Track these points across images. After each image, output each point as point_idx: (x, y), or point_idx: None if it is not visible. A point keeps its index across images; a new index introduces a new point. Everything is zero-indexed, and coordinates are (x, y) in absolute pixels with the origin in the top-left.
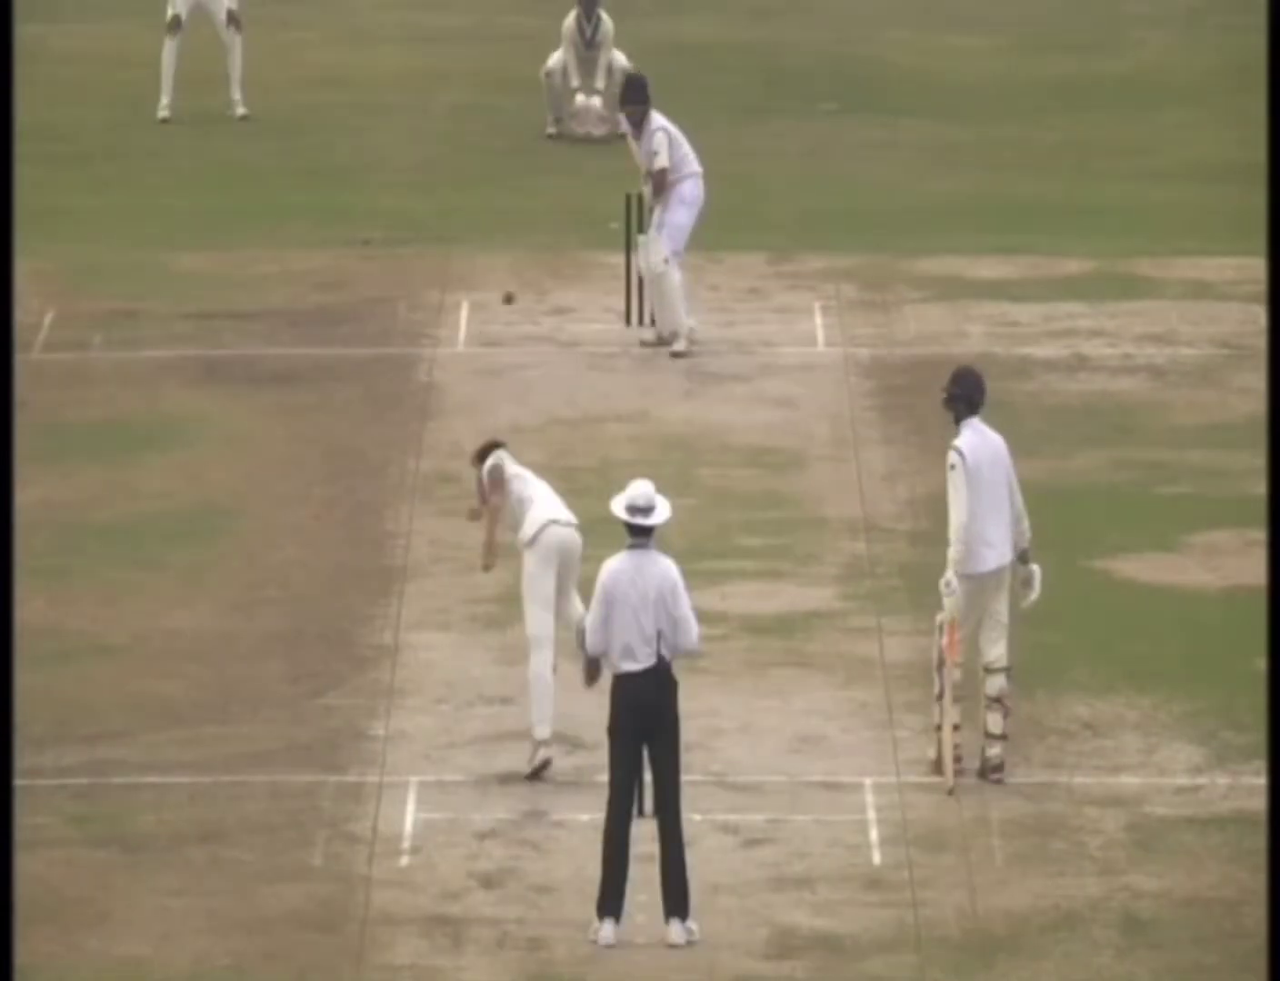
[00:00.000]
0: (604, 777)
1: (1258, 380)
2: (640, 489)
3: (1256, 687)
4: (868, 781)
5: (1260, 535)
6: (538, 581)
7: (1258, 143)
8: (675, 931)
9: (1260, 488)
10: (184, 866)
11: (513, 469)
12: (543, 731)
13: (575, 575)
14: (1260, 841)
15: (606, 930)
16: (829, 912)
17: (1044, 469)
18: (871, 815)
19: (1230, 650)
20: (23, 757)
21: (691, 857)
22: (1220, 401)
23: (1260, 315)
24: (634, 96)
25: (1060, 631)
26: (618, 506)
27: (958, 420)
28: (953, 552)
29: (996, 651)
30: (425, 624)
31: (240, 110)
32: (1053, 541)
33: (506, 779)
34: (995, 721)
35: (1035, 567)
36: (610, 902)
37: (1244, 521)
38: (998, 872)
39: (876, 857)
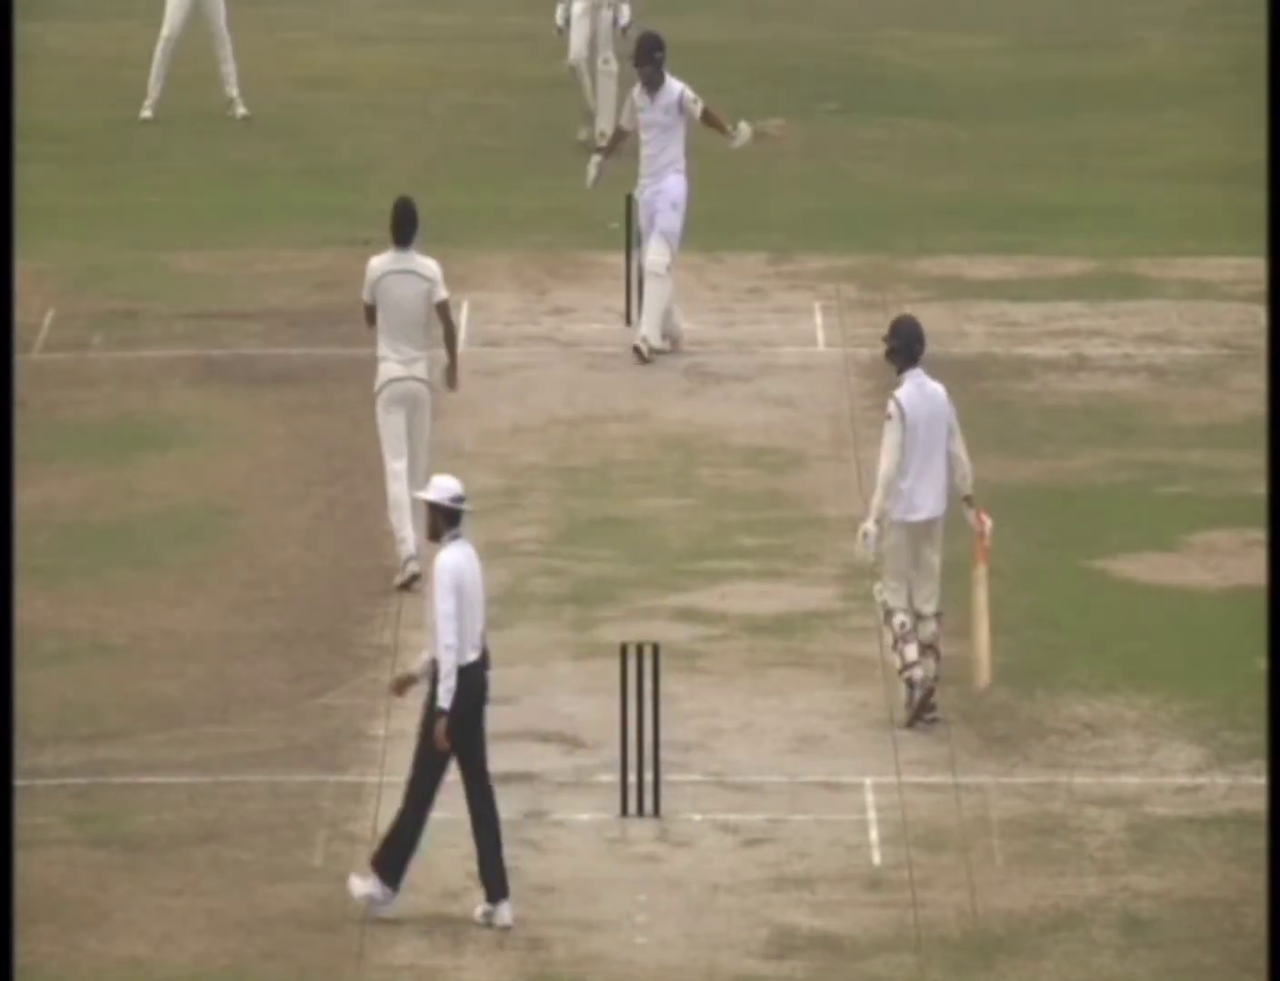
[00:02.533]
0: (604, 778)
1: (1258, 380)
2: (451, 481)
3: (1256, 687)
4: (868, 781)
5: (1260, 535)
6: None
7: (1258, 143)
8: (505, 913)
9: (1260, 488)
10: (184, 866)
11: None
12: (408, 548)
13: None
14: (1260, 841)
15: (504, 912)
16: (829, 912)
17: (1044, 469)
18: (871, 815)
19: (1230, 650)
20: (23, 757)
21: (691, 857)
22: (1220, 401)
23: (1260, 315)
24: (655, 54)
25: (1060, 631)
26: (439, 497)
27: (900, 371)
28: (876, 500)
29: (929, 600)
30: (425, 624)
31: (242, 110)
32: (1053, 541)
33: (506, 779)
34: (929, 667)
35: (972, 513)
36: (397, 870)
37: (1244, 521)
38: (998, 872)
39: (876, 857)
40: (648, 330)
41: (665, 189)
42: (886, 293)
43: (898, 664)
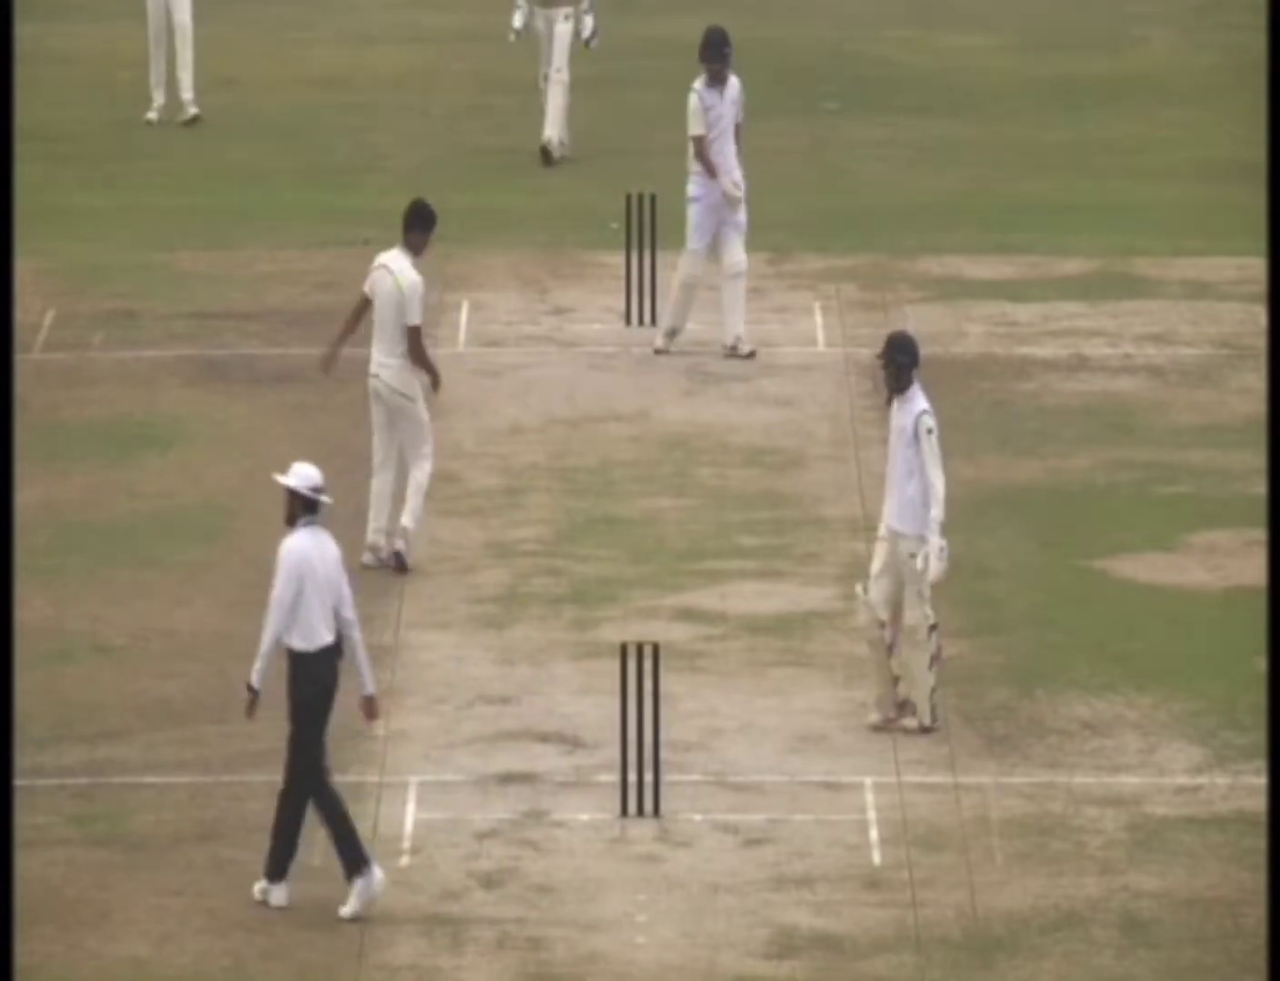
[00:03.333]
0: (604, 778)
1: (1258, 380)
2: (309, 468)
3: (1256, 687)
4: (868, 781)
5: (1260, 535)
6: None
7: (1258, 143)
8: (279, 894)
9: (1260, 488)
10: (184, 866)
11: None
12: (374, 536)
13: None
14: (1260, 841)
15: (278, 893)
16: (829, 912)
17: (1044, 469)
18: (871, 815)
19: (1230, 650)
20: (23, 757)
21: (691, 857)
22: (1220, 401)
23: (1260, 315)
24: (724, 49)
25: (1060, 631)
26: (296, 483)
27: (907, 386)
28: (938, 514)
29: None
30: (425, 624)
31: (193, 110)
32: (1053, 541)
33: (506, 779)
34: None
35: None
36: (284, 866)
37: (1244, 521)
38: (998, 872)
39: (876, 857)
40: (740, 329)
41: (738, 179)
42: (886, 293)
43: (931, 683)
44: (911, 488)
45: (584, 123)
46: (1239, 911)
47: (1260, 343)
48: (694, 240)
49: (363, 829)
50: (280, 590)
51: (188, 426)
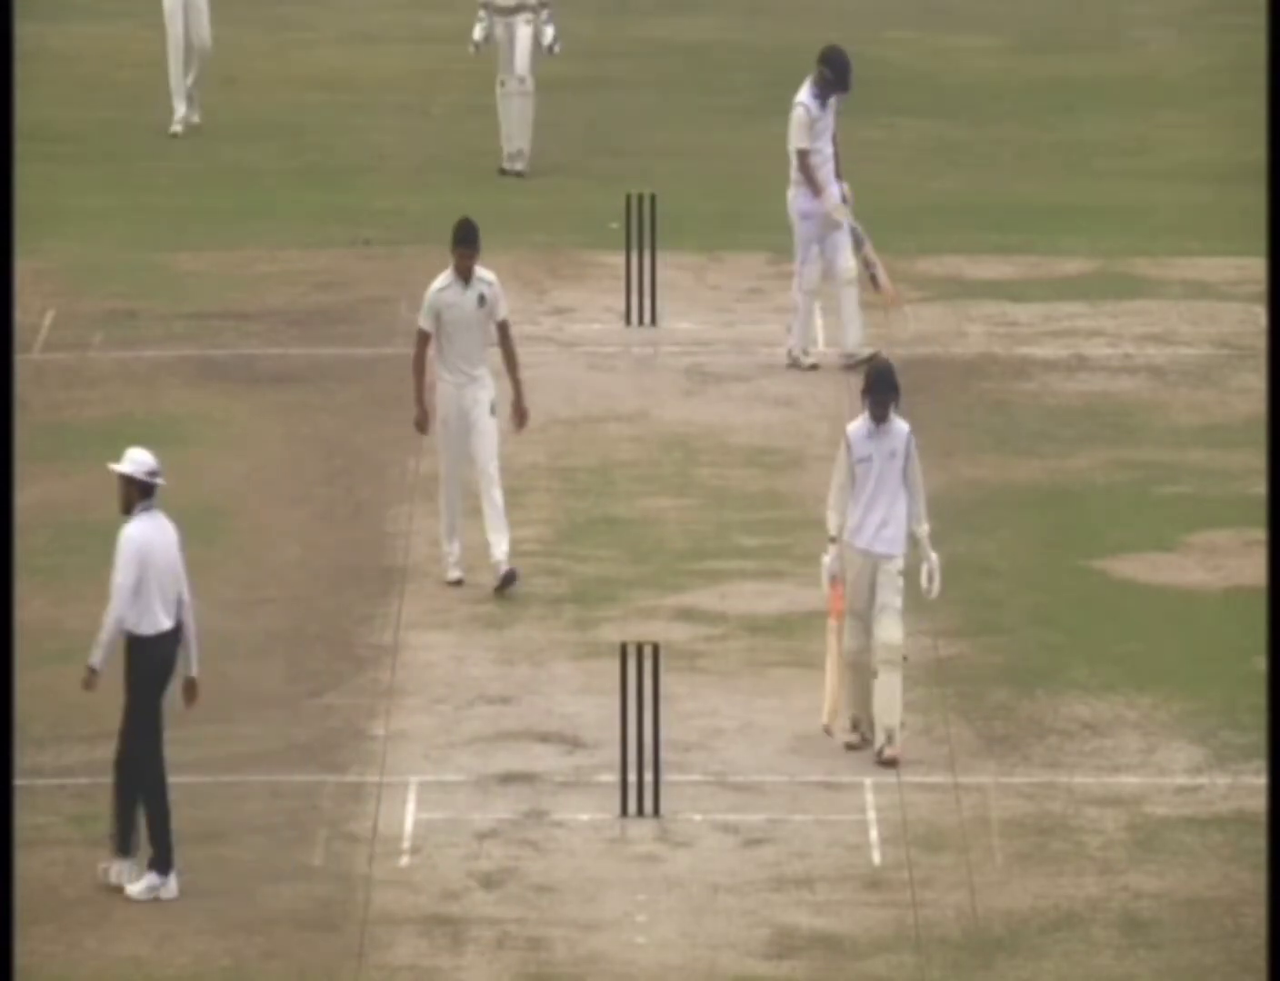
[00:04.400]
0: (604, 778)
1: (1258, 380)
2: (143, 453)
3: (1256, 687)
4: (868, 781)
5: (1260, 535)
6: None
7: (1258, 143)
8: (119, 873)
9: (1260, 488)
10: (184, 866)
11: None
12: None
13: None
14: (1260, 841)
15: (117, 868)
16: (829, 912)
17: (1044, 469)
18: (871, 815)
19: (1230, 650)
20: (23, 757)
21: (691, 857)
22: (1220, 401)
23: (1260, 315)
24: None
25: (1060, 631)
26: (133, 469)
27: (893, 410)
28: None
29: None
30: (425, 624)
31: (194, 118)
32: (1053, 541)
33: (506, 779)
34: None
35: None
36: (129, 842)
37: (1244, 521)
38: (998, 872)
39: (876, 857)
40: (857, 336)
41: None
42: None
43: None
44: (900, 508)
45: (584, 123)
46: (1239, 911)
47: (1260, 343)
48: (804, 253)
49: (363, 829)
50: (122, 576)
51: (188, 426)
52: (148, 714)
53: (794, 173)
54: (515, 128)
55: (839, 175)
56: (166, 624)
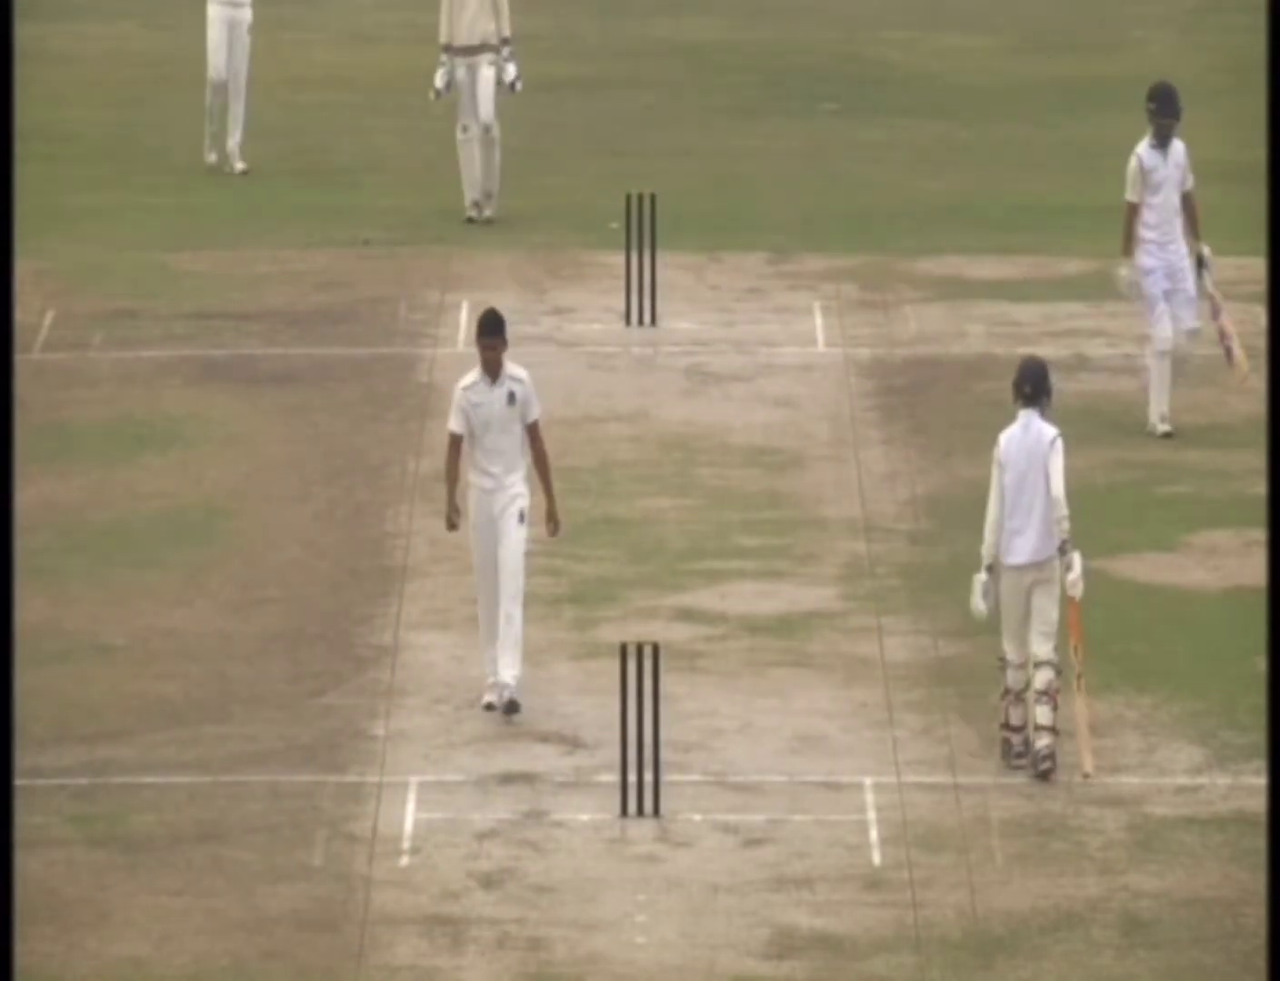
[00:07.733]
0: (604, 778)
1: (1258, 380)
2: None
3: (1256, 687)
4: (868, 781)
5: (1260, 535)
6: None
7: (1257, 142)
8: None
9: (1260, 488)
10: (184, 866)
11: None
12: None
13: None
14: (1260, 841)
15: None
16: (829, 912)
17: None
18: (871, 815)
19: (1230, 650)
20: (23, 757)
21: (691, 857)
22: (1220, 401)
23: (1260, 315)
24: (1177, 105)
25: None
26: None
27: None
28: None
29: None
30: (425, 624)
31: (240, 164)
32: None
33: (506, 779)
34: (1045, 714)
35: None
36: None
37: (1244, 521)
38: (998, 872)
39: (876, 857)
40: (1164, 408)
41: (1185, 251)
42: (886, 293)
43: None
44: (1044, 512)
45: (584, 123)
46: (1239, 911)
47: (1260, 343)
48: (1151, 312)
49: (363, 829)
50: None
51: (188, 426)
52: None
53: (1141, 227)
54: (480, 173)
55: (1196, 235)
56: None
